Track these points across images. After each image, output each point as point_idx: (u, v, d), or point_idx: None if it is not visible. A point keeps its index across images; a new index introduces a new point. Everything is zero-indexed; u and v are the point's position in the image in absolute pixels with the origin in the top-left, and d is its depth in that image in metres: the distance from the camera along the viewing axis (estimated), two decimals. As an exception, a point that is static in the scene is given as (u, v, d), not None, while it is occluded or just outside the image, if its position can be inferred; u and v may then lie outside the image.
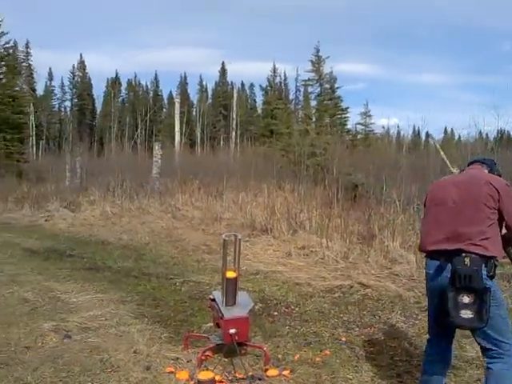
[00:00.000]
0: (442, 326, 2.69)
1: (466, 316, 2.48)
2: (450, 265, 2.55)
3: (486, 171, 2.83)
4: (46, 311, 4.82)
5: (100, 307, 4.96)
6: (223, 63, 59.28)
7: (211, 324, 4.20)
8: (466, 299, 2.48)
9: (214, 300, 3.85)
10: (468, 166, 3.00)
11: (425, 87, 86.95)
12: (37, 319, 4.53)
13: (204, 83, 61.19)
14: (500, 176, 2.82)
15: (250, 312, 3.86)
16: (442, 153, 3.38)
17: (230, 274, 3.75)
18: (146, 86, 60.35)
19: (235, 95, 43.07)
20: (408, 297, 5.32)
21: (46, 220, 12.02)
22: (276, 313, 4.95)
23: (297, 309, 5.07)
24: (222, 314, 3.65)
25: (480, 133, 14.46)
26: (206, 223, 10.25)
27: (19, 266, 6.95)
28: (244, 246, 6.55)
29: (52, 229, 11.02)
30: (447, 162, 3.19)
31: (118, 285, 5.96)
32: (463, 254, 2.51)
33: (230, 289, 3.74)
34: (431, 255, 2.71)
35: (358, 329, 4.47)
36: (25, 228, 11.23)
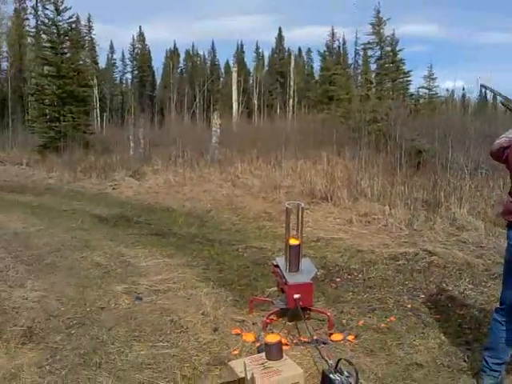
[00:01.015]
0: None
1: None
2: None
3: None
4: (118, 274, 5.07)
5: (168, 271, 5.16)
6: (280, 29, 58.18)
7: (274, 288, 4.27)
8: None
9: (277, 266, 3.90)
10: None
11: (494, 47, 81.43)
12: (109, 282, 4.78)
13: (260, 50, 60.48)
14: None
15: (314, 278, 3.88)
16: (498, 94, 3.10)
17: (294, 241, 3.77)
18: (204, 55, 60.47)
19: (292, 62, 42.39)
20: (477, 264, 5.15)
21: (113, 188, 12.54)
22: (339, 279, 4.95)
23: (360, 275, 5.05)
24: (286, 280, 3.69)
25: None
26: (266, 191, 10.30)
27: (90, 232, 7.31)
28: (304, 214, 6.53)
29: (119, 196, 11.49)
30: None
31: (183, 250, 6.16)
32: None
33: (294, 255, 3.77)
34: None
35: (423, 296, 4.39)
36: (93, 196, 11.77)
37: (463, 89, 49.78)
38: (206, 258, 5.75)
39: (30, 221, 8.09)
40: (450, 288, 4.55)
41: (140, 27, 56.69)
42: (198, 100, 49.03)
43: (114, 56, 56.32)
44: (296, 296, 3.59)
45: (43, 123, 21.23)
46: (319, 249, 6.12)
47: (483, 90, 54.72)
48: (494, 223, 6.19)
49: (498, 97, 3.07)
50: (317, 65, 50.51)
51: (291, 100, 39.68)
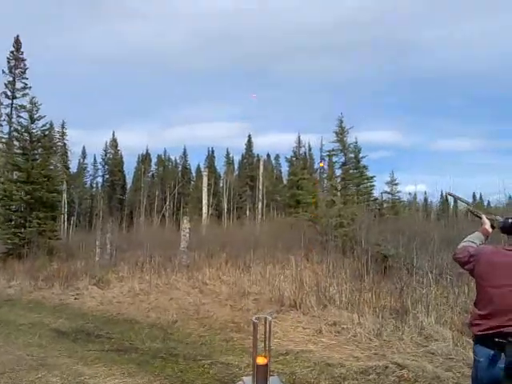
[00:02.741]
0: None
1: None
2: (503, 355, 2.42)
3: None
4: (74, 398, 4.74)
5: (127, 393, 4.85)
6: (249, 136, 61.04)
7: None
8: None
9: (243, 387, 3.73)
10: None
11: (450, 153, 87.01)
12: (64, 408, 4.45)
13: (231, 155, 62.88)
14: None
15: (281, 400, 3.71)
16: (465, 202, 3.28)
17: (261, 361, 3.65)
18: (175, 160, 62.26)
19: (261, 166, 43.90)
20: (446, 378, 5.06)
21: (75, 298, 12.06)
22: (308, 398, 4.74)
23: (330, 393, 4.86)
24: (252, 404, 3.52)
25: (510, 197, 14.25)
26: (234, 299, 10.12)
27: (48, 348, 6.92)
28: (272, 323, 6.39)
29: (81, 307, 11.03)
30: (471, 208, 3.09)
31: (145, 367, 5.85)
32: None
33: (261, 375, 3.63)
34: (481, 341, 2.57)
35: (395, 416, 4.23)
36: (54, 307, 11.26)
37: (425, 193, 52.14)
38: (169, 377, 5.46)
39: (-17, 337, 7.62)
40: (422, 406, 4.41)
41: (113, 133, 58.49)
42: (168, 203, 49.51)
43: (86, 160, 57.31)
44: (262, 422, 3.40)
45: (8, 229, 20.80)
46: (288, 363, 5.92)
47: (444, 194, 57.47)
48: (462, 332, 6.18)
49: (464, 204, 3.24)
50: (285, 169, 52.53)
51: (260, 203, 40.51)
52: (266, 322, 3.88)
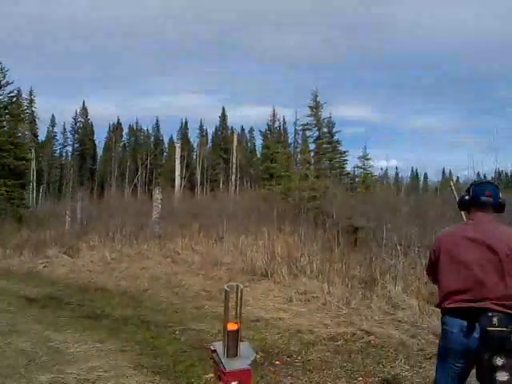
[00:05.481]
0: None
1: (502, 378, 2.41)
2: (477, 325, 2.48)
3: (495, 219, 2.73)
4: (44, 363, 4.72)
5: (98, 358, 4.87)
6: (223, 108, 60.49)
7: (212, 375, 4.11)
8: (499, 361, 2.41)
9: (214, 351, 3.78)
10: (475, 204, 2.75)
11: (423, 130, 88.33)
12: (34, 371, 4.44)
13: (204, 128, 62.33)
14: (504, 205, 2.76)
15: (253, 363, 3.78)
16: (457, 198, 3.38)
17: (232, 326, 3.69)
18: (147, 131, 61.32)
19: (235, 139, 43.68)
20: (412, 344, 5.23)
21: (44, 266, 11.92)
22: (278, 362, 4.85)
23: (299, 358, 4.97)
24: (224, 367, 3.57)
25: (478, 174, 14.60)
26: (206, 268, 10.16)
27: (17, 314, 6.86)
28: (244, 292, 6.43)
29: (50, 275, 10.92)
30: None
31: (116, 334, 5.86)
32: (489, 314, 2.45)
33: (232, 340, 3.67)
34: (452, 313, 2.61)
35: (361, 378, 4.37)
36: (23, 275, 11.12)
37: (396, 168, 52.96)
38: (141, 343, 5.49)
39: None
40: (387, 369, 4.56)
41: (83, 101, 57.07)
42: (140, 174, 48.90)
43: (55, 129, 55.89)
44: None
45: (-25, 197, 20.29)
46: (259, 330, 6.01)
47: (415, 170, 58.22)
48: (427, 301, 6.37)
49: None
50: (259, 143, 52.38)
51: (234, 176, 40.45)
52: (237, 290, 3.92)
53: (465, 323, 2.54)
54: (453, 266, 2.66)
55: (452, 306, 2.60)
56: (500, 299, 2.49)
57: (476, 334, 2.48)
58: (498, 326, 2.41)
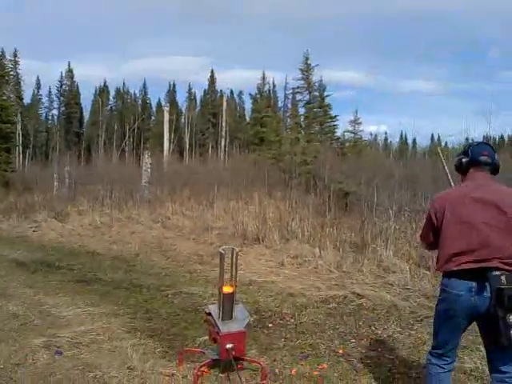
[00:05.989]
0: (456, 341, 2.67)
1: None
2: (487, 284, 2.45)
3: (492, 180, 2.68)
4: (36, 326, 4.70)
5: (91, 321, 4.86)
6: (212, 71, 59.37)
7: (206, 338, 4.12)
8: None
9: (209, 314, 3.77)
10: (475, 165, 2.70)
11: (413, 94, 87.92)
12: (27, 335, 4.41)
13: (193, 91, 61.22)
14: (499, 166, 2.72)
15: (247, 325, 3.79)
16: (445, 165, 3.35)
17: (227, 289, 3.68)
18: (135, 94, 60.16)
19: (224, 103, 43.06)
20: (403, 307, 5.29)
21: (33, 231, 11.83)
22: (271, 325, 4.88)
23: (292, 320, 5.01)
24: (219, 329, 3.58)
25: (467, 139, 14.57)
26: (197, 233, 10.16)
27: (7, 278, 6.81)
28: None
29: (40, 240, 10.85)
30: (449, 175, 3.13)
31: (108, 297, 5.86)
32: (497, 273, 2.43)
33: (227, 303, 3.67)
34: (458, 275, 2.56)
35: (354, 340, 4.41)
36: (12, 239, 11.03)
37: (386, 133, 52.91)
38: (133, 306, 5.49)
39: None
40: (379, 331, 4.61)
41: (69, 63, 55.62)
42: (127, 138, 48.21)
43: (41, 92, 54.62)
44: (229, 346, 3.47)
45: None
46: (251, 293, 6.05)
47: (404, 134, 58.22)
48: (418, 265, 6.44)
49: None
50: (248, 107, 51.77)
51: (223, 140, 40.10)
52: (232, 253, 3.89)
53: (473, 284, 2.49)
54: (458, 226, 2.59)
55: (459, 267, 2.55)
56: (508, 257, 2.47)
57: (486, 294, 2.46)
58: (506, 285, 2.40)
